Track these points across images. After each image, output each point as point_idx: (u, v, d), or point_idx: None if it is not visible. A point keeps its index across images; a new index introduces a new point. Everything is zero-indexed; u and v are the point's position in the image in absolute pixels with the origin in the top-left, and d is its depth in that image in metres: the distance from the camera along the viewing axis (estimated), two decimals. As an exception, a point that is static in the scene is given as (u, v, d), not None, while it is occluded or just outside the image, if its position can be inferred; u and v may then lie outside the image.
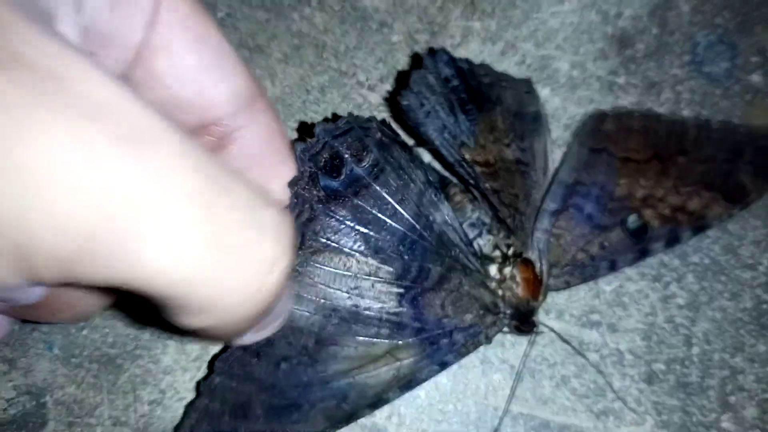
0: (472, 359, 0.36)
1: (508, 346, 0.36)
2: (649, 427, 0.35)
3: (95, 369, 0.35)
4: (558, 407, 0.35)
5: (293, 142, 0.30)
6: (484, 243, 0.33)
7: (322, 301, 0.30)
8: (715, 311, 0.36)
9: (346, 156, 0.31)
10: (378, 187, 0.31)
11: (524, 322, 0.34)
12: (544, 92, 0.39)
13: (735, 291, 0.37)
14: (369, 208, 0.31)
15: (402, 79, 0.36)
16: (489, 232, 0.33)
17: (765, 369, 0.36)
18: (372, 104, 0.38)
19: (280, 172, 0.28)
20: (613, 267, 0.35)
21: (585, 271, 0.35)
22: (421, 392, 0.35)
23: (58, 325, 0.35)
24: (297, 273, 0.30)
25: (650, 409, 0.35)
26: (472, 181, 0.33)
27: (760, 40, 0.40)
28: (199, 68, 0.22)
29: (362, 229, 0.31)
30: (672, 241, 0.35)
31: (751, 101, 0.39)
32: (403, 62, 0.39)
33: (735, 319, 0.36)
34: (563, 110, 0.39)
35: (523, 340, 0.35)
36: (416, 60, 0.37)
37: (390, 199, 0.31)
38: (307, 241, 0.30)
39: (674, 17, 0.40)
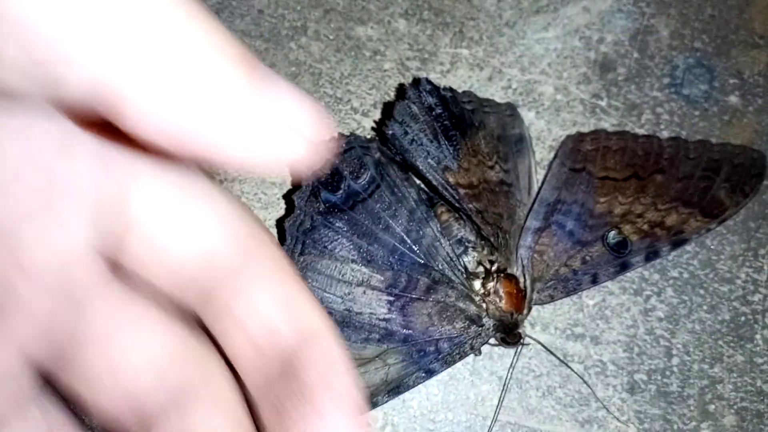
0: (462, 371, 0.38)
1: (496, 359, 0.39)
2: (631, 434, 0.38)
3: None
4: (544, 416, 0.38)
5: None
6: (469, 259, 0.36)
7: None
8: (694, 323, 0.39)
9: (345, 173, 0.35)
10: (373, 203, 0.35)
11: (509, 334, 0.36)
12: (529, 115, 0.41)
13: (713, 304, 0.39)
14: (364, 221, 0.35)
15: (388, 110, 0.39)
16: (473, 249, 0.36)
17: (743, 378, 0.38)
18: (366, 129, 0.42)
19: None
20: (594, 281, 0.38)
21: (568, 285, 0.37)
22: (414, 403, 0.38)
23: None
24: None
25: (633, 418, 0.38)
26: (456, 203, 0.36)
27: (738, 63, 0.43)
28: None
29: (357, 240, 0.34)
30: (651, 255, 0.38)
31: (729, 121, 0.42)
32: (395, 88, 0.42)
33: (713, 331, 0.39)
34: (548, 132, 0.41)
35: (510, 353, 0.38)
36: (401, 90, 0.40)
37: (383, 214, 0.35)
38: (306, 249, 0.34)
39: (654, 42, 0.43)
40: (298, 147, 0.14)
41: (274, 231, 0.40)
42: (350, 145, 0.35)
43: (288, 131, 0.14)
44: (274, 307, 0.17)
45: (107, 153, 0.16)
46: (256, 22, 0.43)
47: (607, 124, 0.42)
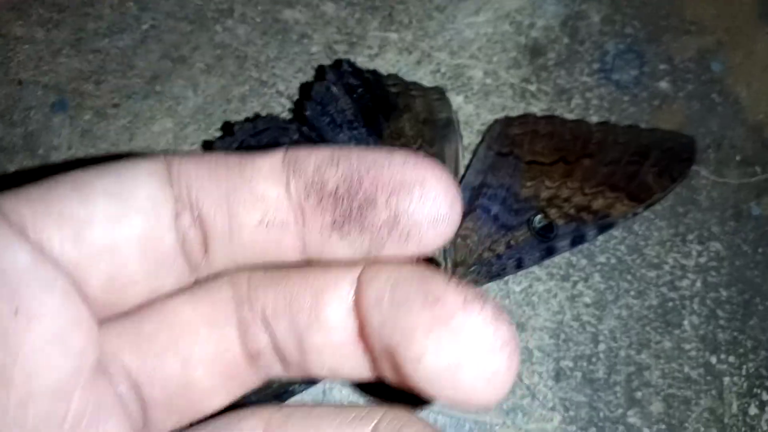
0: (385, 358, 0.38)
1: (420, 345, 0.39)
2: (557, 422, 0.38)
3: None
4: (469, 404, 0.38)
5: (216, 140, 0.34)
6: (388, 242, 0.36)
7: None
8: (621, 309, 0.40)
9: None
10: None
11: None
12: (457, 99, 0.42)
13: (641, 289, 0.40)
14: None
15: (306, 91, 0.39)
16: (393, 232, 0.36)
17: (670, 365, 0.39)
18: (290, 113, 0.42)
19: None
20: (520, 265, 0.38)
21: (492, 270, 0.38)
22: (335, 393, 0.38)
23: None
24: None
25: (558, 405, 0.38)
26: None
27: (669, 49, 0.44)
28: None
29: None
30: (577, 239, 0.39)
31: (659, 107, 0.43)
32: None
33: (641, 317, 0.40)
34: (476, 117, 0.42)
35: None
36: (321, 72, 0.40)
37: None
38: None
39: (585, 27, 0.44)
40: None
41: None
42: (265, 125, 0.35)
43: None
44: None
45: None
46: (180, 4, 0.43)
47: (537, 108, 0.42)
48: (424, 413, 0.38)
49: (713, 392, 0.39)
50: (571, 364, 0.39)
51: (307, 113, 0.36)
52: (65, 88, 0.42)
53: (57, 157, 0.41)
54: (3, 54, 0.43)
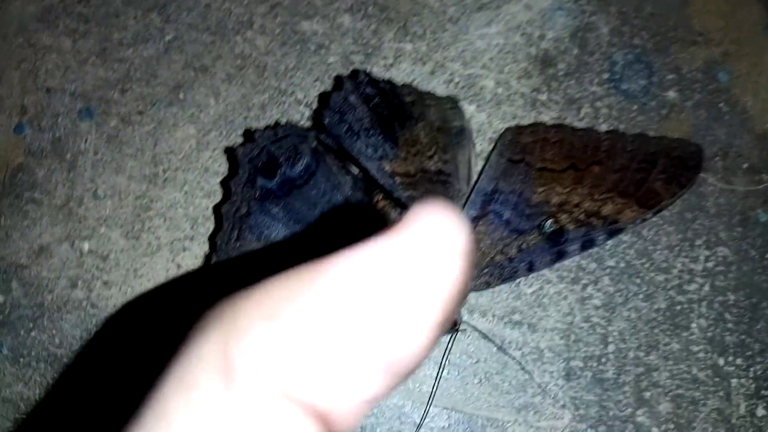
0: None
1: (434, 346, 0.40)
2: (567, 420, 0.40)
3: (42, 368, 0.40)
4: (482, 402, 0.40)
5: (237, 147, 0.36)
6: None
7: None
8: (630, 311, 0.41)
9: (282, 159, 0.37)
10: (309, 189, 0.37)
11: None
12: (470, 108, 0.44)
13: (649, 293, 0.41)
14: (300, 208, 0.37)
15: (325, 100, 0.41)
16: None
17: (679, 366, 0.41)
18: (309, 121, 0.44)
19: None
20: (531, 268, 0.40)
21: (504, 272, 0.40)
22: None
23: (6, 326, 0.40)
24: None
25: (568, 404, 0.40)
26: (392, 191, 0.38)
27: (676, 59, 0.46)
28: None
29: (293, 226, 0.36)
30: (587, 243, 0.40)
31: (667, 116, 0.44)
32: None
33: (649, 319, 0.41)
34: (488, 125, 0.44)
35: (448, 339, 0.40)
36: (339, 82, 0.43)
37: (319, 201, 0.37)
38: (243, 234, 0.36)
39: (594, 38, 0.46)
40: None
41: (213, 218, 0.42)
42: (286, 133, 0.37)
43: None
44: None
45: None
46: (202, 15, 0.46)
47: (547, 117, 0.44)
48: (439, 410, 0.40)
49: (721, 393, 0.41)
50: (581, 364, 0.40)
51: (326, 121, 0.38)
52: (92, 96, 0.44)
53: (84, 161, 0.43)
54: (31, 63, 0.45)
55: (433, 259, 0.13)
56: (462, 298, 0.14)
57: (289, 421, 0.13)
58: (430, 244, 0.13)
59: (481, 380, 0.40)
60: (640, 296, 0.42)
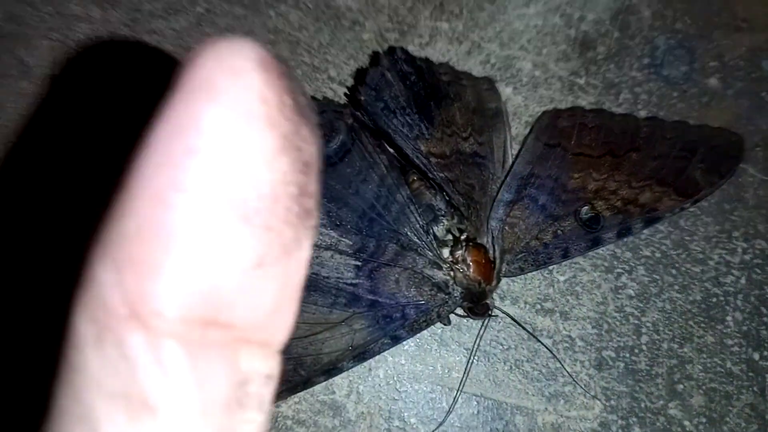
0: (429, 342, 0.40)
1: (464, 330, 0.40)
2: (598, 411, 0.39)
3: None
4: (511, 390, 0.40)
5: None
6: (438, 227, 0.38)
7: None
8: (665, 302, 0.41)
9: None
10: (343, 167, 0.37)
11: (477, 304, 0.38)
12: (506, 90, 0.43)
13: (685, 284, 0.41)
14: (334, 185, 0.36)
15: (361, 76, 0.41)
16: (443, 217, 0.38)
17: (713, 359, 0.40)
18: (342, 98, 0.43)
19: None
20: (566, 255, 0.39)
21: (538, 258, 0.39)
22: (380, 372, 0.40)
23: None
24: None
25: (600, 394, 0.39)
26: (427, 172, 0.38)
27: (719, 45, 0.45)
28: None
29: (326, 204, 0.36)
30: (623, 231, 0.40)
31: (708, 103, 0.44)
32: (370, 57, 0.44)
33: (684, 311, 0.41)
34: (525, 108, 0.43)
35: (479, 325, 0.40)
36: (376, 58, 0.42)
37: (354, 179, 0.37)
38: None
39: (635, 22, 0.45)
40: None
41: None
42: (322, 109, 0.37)
43: None
44: None
45: None
46: (235, -12, 0.45)
47: (585, 102, 0.43)
48: (468, 396, 0.39)
49: (755, 388, 0.40)
50: (613, 354, 0.40)
51: (362, 98, 0.38)
52: (121, 68, 0.44)
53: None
54: (61, 33, 0.45)
55: (228, 88, 0.12)
56: (294, 115, 0.13)
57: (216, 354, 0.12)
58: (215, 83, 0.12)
59: (511, 367, 0.40)
60: (675, 287, 0.41)
